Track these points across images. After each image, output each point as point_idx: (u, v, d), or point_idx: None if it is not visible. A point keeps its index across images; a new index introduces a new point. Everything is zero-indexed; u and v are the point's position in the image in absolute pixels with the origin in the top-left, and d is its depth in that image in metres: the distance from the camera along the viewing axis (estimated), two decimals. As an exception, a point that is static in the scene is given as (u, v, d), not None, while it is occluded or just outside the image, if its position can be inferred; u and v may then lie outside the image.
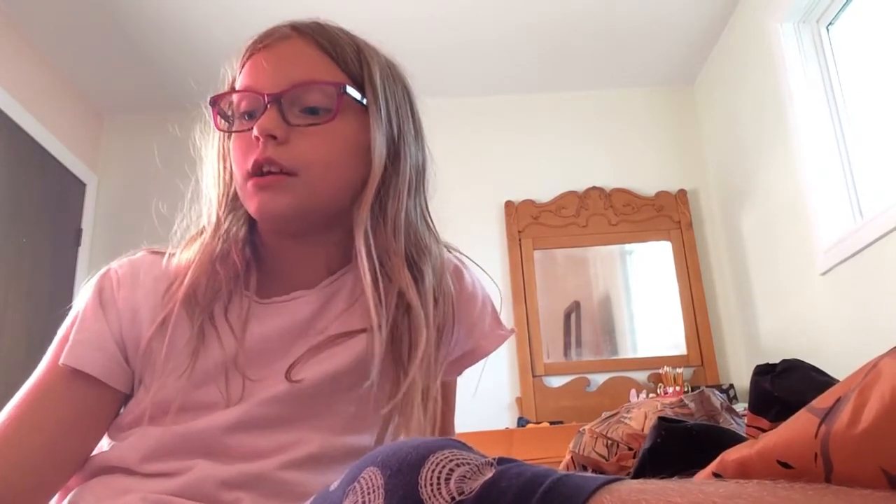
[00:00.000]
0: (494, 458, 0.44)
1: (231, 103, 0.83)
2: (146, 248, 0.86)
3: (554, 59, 3.57)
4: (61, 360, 0.75)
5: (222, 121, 0.83)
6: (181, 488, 0.71)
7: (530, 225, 3.61)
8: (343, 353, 0.78)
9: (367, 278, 0.77)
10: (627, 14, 3.25)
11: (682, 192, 3.65)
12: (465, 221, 3.43)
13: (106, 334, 0.77)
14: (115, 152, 3.76)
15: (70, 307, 0.83)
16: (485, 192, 3.64)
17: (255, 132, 0.76)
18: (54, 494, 0.76)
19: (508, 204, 3.64)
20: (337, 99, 0.78)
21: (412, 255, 0.83)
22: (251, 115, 0.80)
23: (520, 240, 3.59)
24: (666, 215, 3.62)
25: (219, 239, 0.82)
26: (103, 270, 0.83)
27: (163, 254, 0.84)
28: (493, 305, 0.94)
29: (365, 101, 0.81)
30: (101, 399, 0.77)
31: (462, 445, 0.46)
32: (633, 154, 3.74)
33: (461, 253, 0.96)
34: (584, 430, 1.42)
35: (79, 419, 0.76)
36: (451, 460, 0.43)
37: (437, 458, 0.44)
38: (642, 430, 1.25)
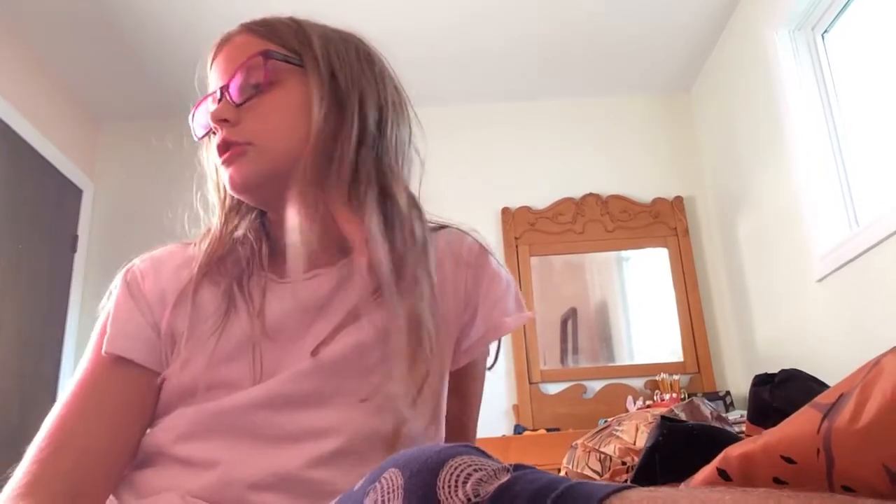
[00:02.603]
0: (510, 465, 0.46)
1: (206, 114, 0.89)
2: (178, 242, 0.91)
3: (551, 66, 3.58)
4: (104, 350, 0.79)
5: (200, 131, 0.90)
6: (209, 490, 0.72)
7: (527, 231, 3.62)
8: (365, 328, 0.80)
9: (296, 228, 0.79)
10: (624, 22, 3.26)
11: (679, 199, 3.66)
12: (462, 228, 3.42)
13: (141, 322, 0.81)
14: (111, 159, 3.75)
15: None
16: (481, 199, 3.64)
17: (211, 125, 0.83)
18: (119, 481, 0.78)
19: (505, 210, 3.65)
20: (265, 65, 0.83)
21: (360, 197, 0.83)
22: None
23: (516, 246, 3.60)
24: (662, 222, 3.63)
25: (229, 233, 0.87)
26: (126, 267, 0.87)
27: (188, 244, 0.89)
28: (516, 289, 0.96)
29: (300, 62, 0.85)
30: (148, 384, 0.80)
31: (481, 452, 0.48)
32: (629, 161, 3.75)
33: (480, 236, 0.97)
34: (576, 444, 1.42)
35: (131, 405, 0.80)
36: (468, 465, 0.46)
37: (455, 462, 0.46)
38: (634, 443, 1.26)
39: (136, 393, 0.80)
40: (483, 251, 0.94)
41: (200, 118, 0.90)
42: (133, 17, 3.06)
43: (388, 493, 0.45)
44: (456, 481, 0.44)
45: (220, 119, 0.82)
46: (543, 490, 0.42)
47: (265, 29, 0.87)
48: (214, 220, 0.90)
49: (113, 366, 0.80)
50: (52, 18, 3.04)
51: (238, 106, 0.83)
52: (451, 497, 0.43)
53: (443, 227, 0.96)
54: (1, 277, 2.94)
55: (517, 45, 3.41)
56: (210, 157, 0.91)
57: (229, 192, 0.86)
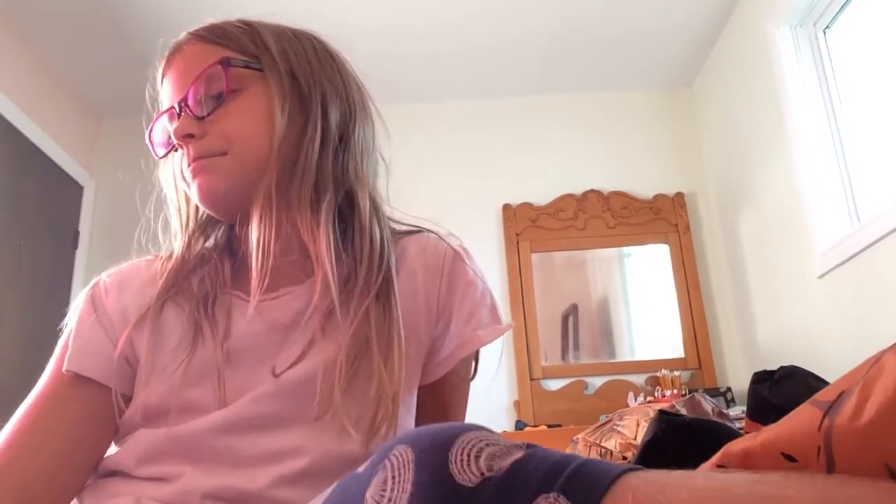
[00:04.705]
0: (523, 443, 0.46)
1: (165, 131, 0.86)
2: (145, 257, 0.87)
3: (553, 62, 3.58)
4: (64, 368, 0.76)
5: (161, 150, 0.87)
6: (168, 496, 0.70)
7: (528, 228, 3.62)
8: (330, 347, 0.76)
9: (259, 244, 0.76)
10: (626, 18, 3.25)
11: (680, 195, 3.66)
12: (463, 224, 3.37)
13: (104, 339, 0.79)
14: (112, 155, 3.75)
15: (66, 315, 0.83)
16: (483, 195, 3.64)
17: (175, 142, 0.80)
18: (73, 498, 0.76)
19: (506, 207, 3.65)
20: (224, 73, 0.79)
21: (323, 206, 0.80)
22: None
23: (517, 243, 3.59)
24: (664, 218, 3.62)
25: (193, 255, 0.84)
26: (93, 282, 0.84)
27: (157, 258, 0.86)
28: (493, 299, 0.90)
29: (260, 66, 0.81)
30: (109, 402, 0.77)
31: (490, 431, 0.47)
32: (631, 157, 3.75)
33: (457, 239, 0.92)
34: (577, 439, 1.42)
35: (89, 423, 0.77)
36: (480, 440, 0.45)
37: (467, 437, 0.45)
38: (635, 437, 1.25)
39: (94, 411, 0.77)
40: (457, 258, 0.88)
41: (159, 136, 0.87)
42: (134, 13, 3.06)
43: (399, 469, 0.44)
44: (468, 456, 0.43)
45: (184, 135, 0.79)
46: (558, 465, 0.42)
47: (217, 35, 0.84)
48: (177, 244, 0.87)
49: (72, 383, 0.77)
50: (54, 14, 3.04)
51: (201, 119, 0.80)
52: (465, 471, 0.42)
53: (416, 231, 0.91)
54: (3, 274, 2.94)
55: (518, 41, 3.40)
56: (169, 177, 0.88)
57: (197, 203, 0.83)
